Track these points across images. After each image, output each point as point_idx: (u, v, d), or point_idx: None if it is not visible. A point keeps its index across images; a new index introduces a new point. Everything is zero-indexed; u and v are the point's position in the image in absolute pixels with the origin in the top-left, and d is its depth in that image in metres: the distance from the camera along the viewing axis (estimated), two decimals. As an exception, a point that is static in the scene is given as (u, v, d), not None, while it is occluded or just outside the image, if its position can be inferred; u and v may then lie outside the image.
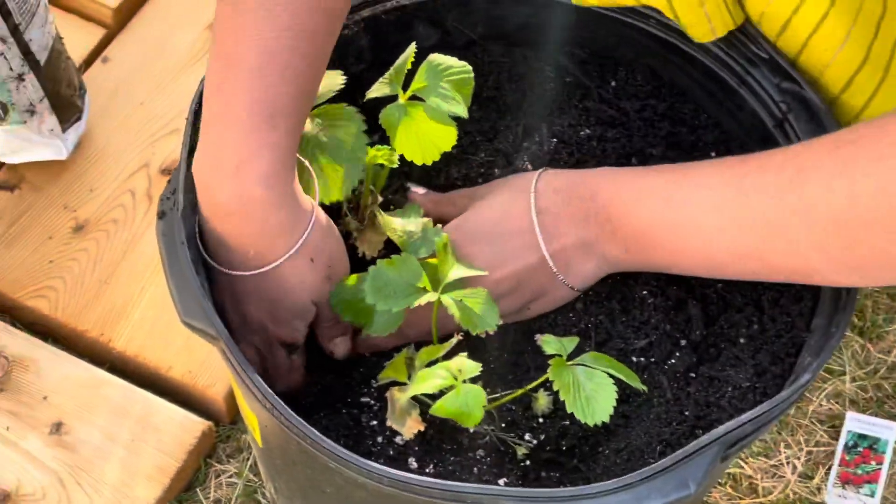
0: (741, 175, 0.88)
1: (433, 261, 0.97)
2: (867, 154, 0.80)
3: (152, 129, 1.45)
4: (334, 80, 1.01)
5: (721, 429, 0.88)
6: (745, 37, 1.07)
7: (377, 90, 0.99)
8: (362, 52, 1.11)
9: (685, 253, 0.94)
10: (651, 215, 0.93)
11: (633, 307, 1.04)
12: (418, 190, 1.07)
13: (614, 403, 0.92)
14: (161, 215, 0.97)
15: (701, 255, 0.93)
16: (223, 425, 1.31)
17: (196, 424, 1.27)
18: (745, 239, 0.89)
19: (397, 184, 1.08)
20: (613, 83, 1.16)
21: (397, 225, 0.99)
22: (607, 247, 0.98)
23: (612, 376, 0.93)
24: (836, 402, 1.33)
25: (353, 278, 0.98)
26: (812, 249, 0.85)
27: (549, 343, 0.95)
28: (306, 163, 0.97)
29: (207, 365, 1.30)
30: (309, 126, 0.96)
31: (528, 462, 0.97)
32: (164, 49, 1.51)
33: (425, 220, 1.01)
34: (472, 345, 1.00)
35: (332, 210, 1.06)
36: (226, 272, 0.96)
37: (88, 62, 1.51)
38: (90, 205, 1.40)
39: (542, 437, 0.98)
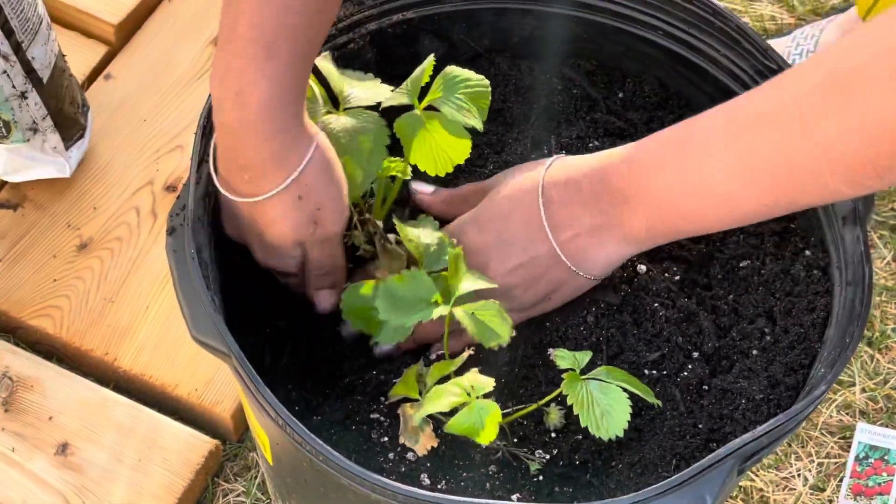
0: (744, 129, 0.87)
1: (444, 273, 0.96)
2: (871, 83, 0.78)
3: (156, 146, 1.44)
4: (379, 91, 1.00)
5: (737, 441, 0.88)
6: (755, 48, 1.06)
7: (393, 99, 0.98)
8: (368, 66, 1.10)
9: (710, 214, 0.92)
10: (669, 187, 0.92)
11: (644, 320, 1.03)
12: (425, 189, 1.06)
13: (629, 418, 0.92)
14: (171, 231, 0.97)
15: (726, 213, 0.91)
16: (230, 443, 1.30)
17: (203, 443, 1.26)
18: (768, 187, 0.87)
19: (405, 194, 1.08)
20: (621, 94, 1.16)
21: (413, 236, 0.99)
22: (627, 227, 0.96)
23: (625, 390, 0.93)
24: (847, 414, 1.32)
25: (368, 286, 0.97)
26: (837, 181, 0.83)
27: (562, 357, 0.95)
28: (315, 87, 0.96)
29: (214, 383, 1.29)
30: (334, 122, 0.95)
31: (540, 477, 0.97)
32: (167, 65, 1.51)
33: (441, 233, 1.00)
34: (483, 359, 1.00)
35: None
36: (223, 193, 0.96)
37: (91, 79, 1.51)
38: (94, 223, 1.39)
39: (555, 451, 0.98)
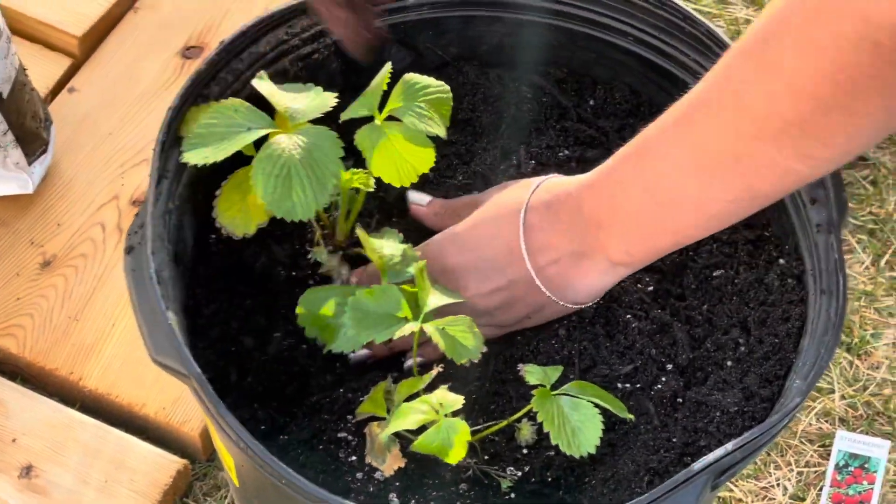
0: (689, 123, 0.85)
1: (410, 288, 0.95)
2: (784, 39, 0.76)
3: (121, 160, 1.43)
4: (325, 101, 0.98)
5: (710, 457, 0.86)
6: (713, 42, 1.05)
7: (352, 111, 0.96)
8: (334, 77, 1.09)
9: (682, 223, 0.91)
10: (637, 205, 0.91)
11: (617, 332, 1.02)
12: (419, 200, 1.05)
13: (601, 434, 0.90)
14: (129, 250, 0.95)
15: (696, 219, 0.90)
16: (199, 463, 1.28)
17: (171, 463, 1.24)
18: (724, 179, 0.85)
19: (372, 206, 1.06)
20: (592, 102, 1.15)
21: (377, 247, 0.97)
22: (607, 253, 0.95)
23: (597, 406, 0.91)
24: (826, 421, 1.31)
25: (311, 294, 0.96)
26: (785, 156, 0.81)
27: (532, 373, 0.93)
28: None
29: (182, 401, 1.27)
30: (286, 142, 0.93)
31: (512, 495, 0.95)
32: (132, 78, 1.49)
33: (404, 245, 0.98)
34: (453, 375, 0.99)
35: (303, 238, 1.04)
36: None
37: (54, 93, 1.49)
38: (58, 239, 1.37)
39: (527, 468, 0.96)
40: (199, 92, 1.01)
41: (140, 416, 1.27)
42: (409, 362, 1.00)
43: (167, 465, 1.24)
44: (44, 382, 1.31)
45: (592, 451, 0.90)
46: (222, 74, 1.03)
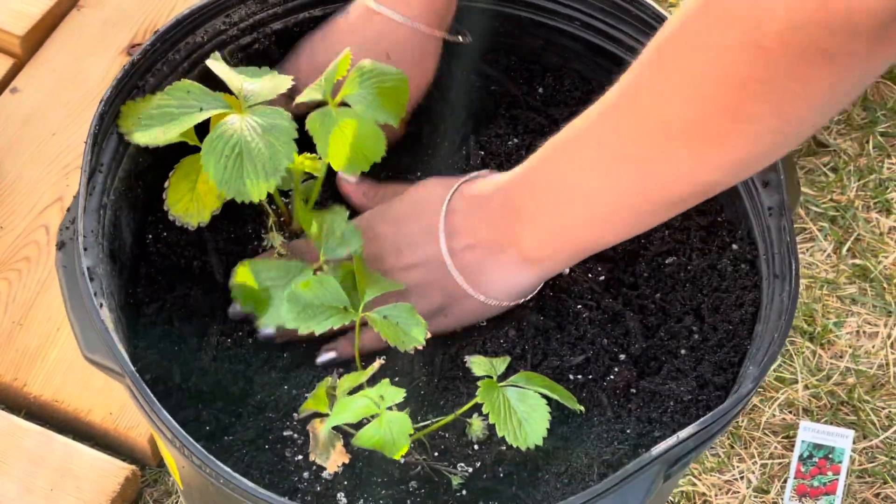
0: (599, 128, 0.86)
1: (345, 271, 0.94)
2: (678, 43, 0.77)
3: (66, 161, 1.40)
4: (281, 83, 0.96)
5: (661, 447, 0.85)
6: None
7: (307, 95, 0.94)
8: (273, 68, 1.06)
9: (595, 225, 0.91)
10: (552, 199, 0.91)
11: (567, 322, 1.00)
12: (350, 178, 1.03)
13: (548, 425, 0.88)
14: (60, 246, 0.94)
15: (612, 221, 0.90)
16: (150, 468, 1.26)
17: (119, 469, 1.22)
18: (636, 185, 0.86)
19: (327, 195, 1.05)
20: (541, 90, 1.13)
21: (317, 222, 0.95)
22: (521, 246, 0.94)
23: (546, 397, 0.89)
24: (790, 412, 1.29)
25: (245, 267, 0.95)
26: (693, 163, 0.82)
27: (478, 364, 0.91)
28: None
29: (129, 406, 1.25)
30: (239, 122, 0.91)
31: (464, 492, 0.94)
32: (76, 77, 1.46)
33: (349, 223, 0.96)
34: (400, 371, 0.98)
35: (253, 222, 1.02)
36: None
37: (-3, 93, 1.46)
38: (0, 243, 1.34)
39: (478, 464, 0.94)
40: (133, 84, 0.99)
41: (86, 422, 1.25)
42: (323, 356, 0.98)
43: (115, 471, 1.21)
44: (-13, 389, 1.29)
45: (539, 442, 0.88)
46: (158, 66, 1.01)
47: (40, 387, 1.26)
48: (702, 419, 0.85)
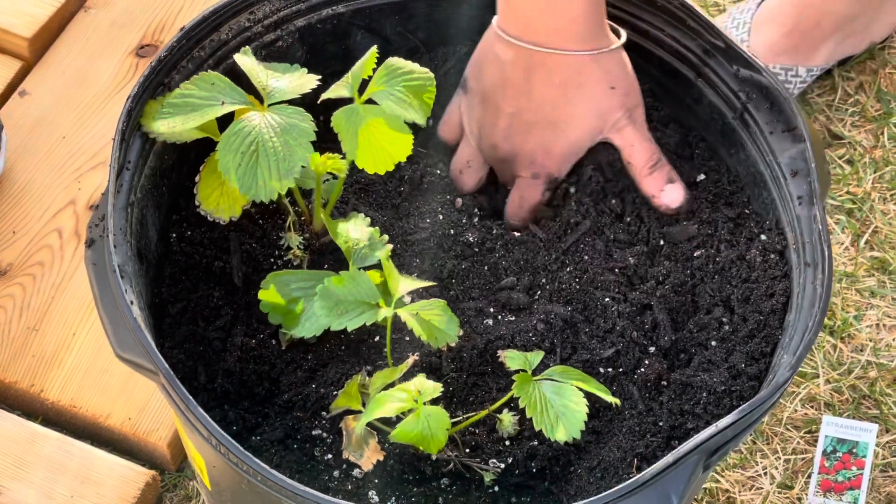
0: None
1: (375, 274, 0.92)
2: None
3: (77, 164, 1.39)
4: (307, 81, 0.95)
5: (701, 436, 0.85)
6: (701, 26, 1.03)
7: (333, 91, 0.93)
8: (298, 65, 1.06)
9: None
10: None
11: (596, 316, 1.00)
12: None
13: (585, 418, 0.88)
14: (90, 243, 0.93)
15: None
16: (169, 473, 1.25)
17: (139, 475, 1.20)
18: None
19: (348, 192, 1.04)
20: None
21: (343, 232, 0.94)
22: None
23: (580, 390, 0.89)
24: (812, 407, 1.28)
25: (273, 279, 0.94)
26: None
27: (512, 358, 0.91)
28: None
29: (148, 410, 1.23)
30: (258, 120, 0.90)
31: (496, 488, 0.93)
32: (85, 79, 1.45)
33: (372, 229, 0.96)
34: (428, 367, 0.97)
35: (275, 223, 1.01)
36: (526, 46, 0.99)
37: (5, 96, 1.45)
38: (14, 248, 1.33)
39: (510, 460, 0.94)
40: (159, 80, 0.99)
41: (105, 427, 1.24)
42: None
43: (135, 476, 1.20)
44: (3, 396, 1.27)
45: (577, 436, 0.88)
46: (183, 63, 1.01)
47: (58, 392, 1.25)
48: (740, 408, 0.85)
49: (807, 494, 1.23)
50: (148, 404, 1.24)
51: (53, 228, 1.34)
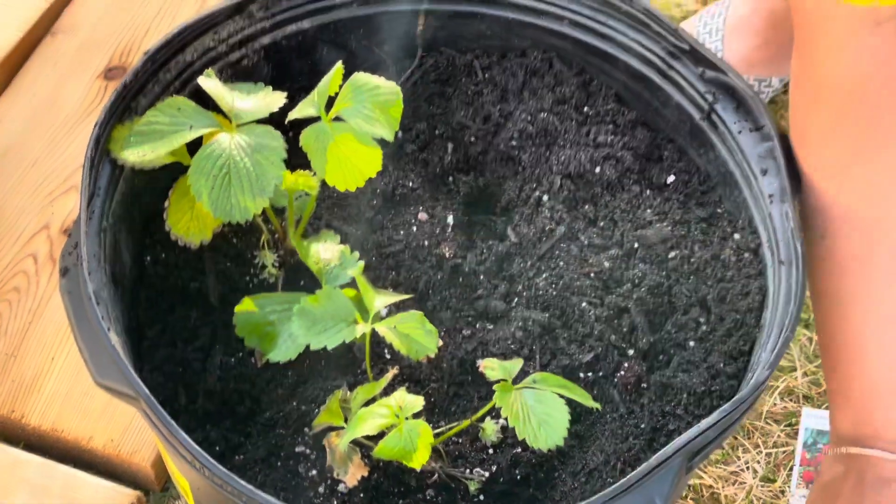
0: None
1: (351, 291, 0.92)
2: None
3: (49, 188, 1.38)
4: (273, 100, 0.95)
5: (682, 438, 0.85)
6: (664, 30, 1.04)
7: (299, 111, 0.93)
8: (265, 83, 1.05)
9: None
10: None
11: (573, 320, 1.01)
12: None
13: (568, 425, 0.89)
14: (64, 272, 0.93)
15: None
16: (154, 493, 1.24)
17: (123, 496, 1.20)
18: None
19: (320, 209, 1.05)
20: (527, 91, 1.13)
21: (313, 252, 0.94)
22: None
23: (561, 396, 0.89)
24: (791, 400, 1.29)
25: (248, 303, 0.93)
26: None
27: (491, 368, 0.91)
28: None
29: (131, 430, 1.23)
30: (227, 142, 0.90)
31: (481, 496, 0.94)
32: (55, 103, 1.45)
33: (342, 247, 0.96)
34: (409, 378, 0.97)
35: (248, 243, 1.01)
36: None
37: (-26, 124, 1.44)
38: (-11, 274, 1.32)
39: (494, 468, 0.94)
40: (126, 106, 0.98)
41: (87, 449, 1.23)
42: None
43: (119, 498, 1.20)
44: (-16, 424, 1.27)
45: (560, 443, 0.88)
46: (149, 87, 1.00)
47: (39, 417, 1.24)
48: (721, 409, 0.85)
49: (789, 487, 1.24)
50: (130, 425, 1.23)
51: (28, 254, 1.33)
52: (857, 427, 1.00)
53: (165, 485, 1.25)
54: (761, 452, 1.25)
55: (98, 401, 1.25)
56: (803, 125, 0.97)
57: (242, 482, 0.81)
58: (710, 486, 1.23)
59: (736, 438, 1.26)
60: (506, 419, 0.88)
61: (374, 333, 0.91)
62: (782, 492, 1.23)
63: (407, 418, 0.87)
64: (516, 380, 0.90)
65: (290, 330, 0.90)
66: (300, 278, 1.00)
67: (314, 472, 0.93)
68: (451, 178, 1.08)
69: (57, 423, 1.24)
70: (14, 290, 1.31)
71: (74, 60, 1.48)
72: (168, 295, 1.00)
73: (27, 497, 1.20)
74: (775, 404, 1.28)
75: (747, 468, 1.24)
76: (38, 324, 1.29)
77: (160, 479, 1.24)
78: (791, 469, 1.25)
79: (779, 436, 1.26)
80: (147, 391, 0.85)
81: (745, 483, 1.23)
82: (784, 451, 1.26)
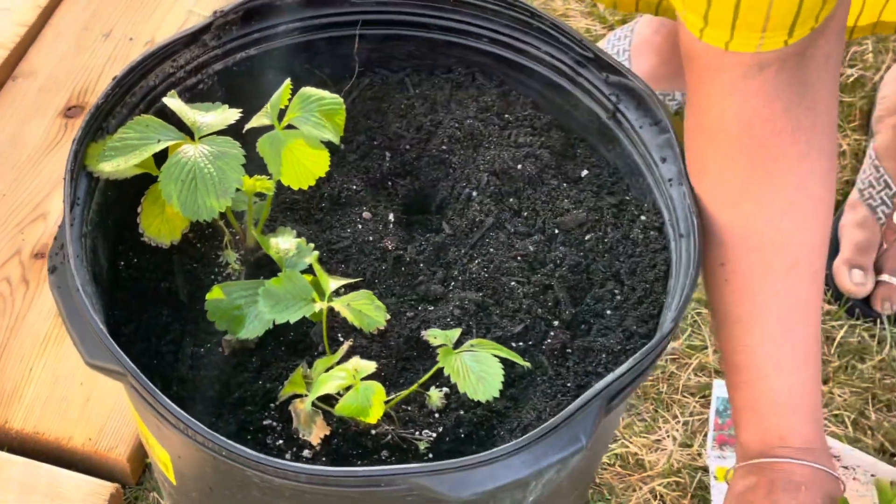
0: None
1: (308, 277, 1.03)
2: None
3: (18, 218, 1.46)
4: (229, 115, 1.06)
5: (602, 382, 0.95)
6: (571, 41, 1.16)
7: (256, 121, 1.04)
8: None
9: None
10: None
11: (504, 298, 1.10)
12: None
13: (502, 379, 0.98)
14: (52, 270, 1.01)
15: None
16: (129, 487, 1.32)
17: (104, 488, 1.28)
18: None
19: (274, 212, 1.14)
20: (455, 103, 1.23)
21: (273, 244, 1.05)
22: None
23: (496, 356, 0.99)
24: (703, 375, 1.41)
25: (217, 291, 1.03)
26: None
27: (434, 336, 1.01)
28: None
29: (107, 429, 1.31)
30: (192, 151, 1.02)
31: (430, 455, 1.02)
32: (19, 141, 1.53)
33: (299, 239, 1.07)
34: (362, 354, 1.04)
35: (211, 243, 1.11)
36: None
37: (-57, 163, 1.52)
38: (-34, 299, 1.40)
39: (440, 429, 1.03)
40: (98, 125, 1.08)
41: (68, 449, 1.31)
42: None
43: (100, 490, 1.27)
44: (-33, 432, 1.34)
45: (496, 395, 0.97)
46: (118, 109, 1.10)
47: (21, 422, 1.31)
48: (633, 356, 0.97)
49: (705, 450, 1.35)
50: (106, 425, 1.31)
51: (2, 278, 1.41)
52: (765, 438, 1.08)
53: (140, 478, 1.33)
54: (679, 422, 1.37)
55: (76, 405, 1.33)
56: (701, 161, 1.06)
57: (222, 437, 0.90)
58: (636, 454, 1.35)
59: (657, 412, 1.38)
60: (450, 388, 0.98)
61: (329, 311, 1.01)
62: (699, 454, 1.35)
63: (362, 380, 0.97)
64: (456, 346, 0.99)
65: (257, 309, 1.01)
66: (260, 274, 1.09)
67: (281, 441, 1.02)
68: (390, 182, 1.19)
69: (38, 426, 1.32)
70: (-9, 310, 1.39)
71: (36, 101, 1.57)
72: (141, 295, 1.09)
73: (15, 495, 1.28)
74: (690, 379, 1.41)
75: (668, 436, 1.36)
76: (16, 339, 1.37)
77: (135, 474, 1.33)
78: (706, 435, 1.36)
79: (694, 406, 1.38)
80: (133, 365, 0.94)
81: (666, 449, 1.35)
82: (699, 420, 1.38)
